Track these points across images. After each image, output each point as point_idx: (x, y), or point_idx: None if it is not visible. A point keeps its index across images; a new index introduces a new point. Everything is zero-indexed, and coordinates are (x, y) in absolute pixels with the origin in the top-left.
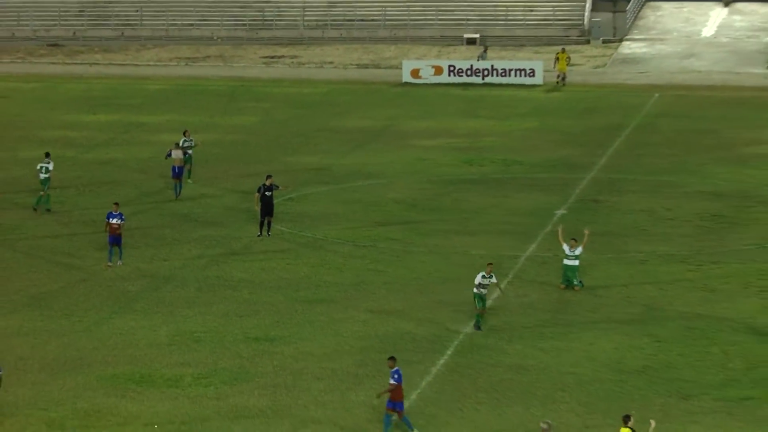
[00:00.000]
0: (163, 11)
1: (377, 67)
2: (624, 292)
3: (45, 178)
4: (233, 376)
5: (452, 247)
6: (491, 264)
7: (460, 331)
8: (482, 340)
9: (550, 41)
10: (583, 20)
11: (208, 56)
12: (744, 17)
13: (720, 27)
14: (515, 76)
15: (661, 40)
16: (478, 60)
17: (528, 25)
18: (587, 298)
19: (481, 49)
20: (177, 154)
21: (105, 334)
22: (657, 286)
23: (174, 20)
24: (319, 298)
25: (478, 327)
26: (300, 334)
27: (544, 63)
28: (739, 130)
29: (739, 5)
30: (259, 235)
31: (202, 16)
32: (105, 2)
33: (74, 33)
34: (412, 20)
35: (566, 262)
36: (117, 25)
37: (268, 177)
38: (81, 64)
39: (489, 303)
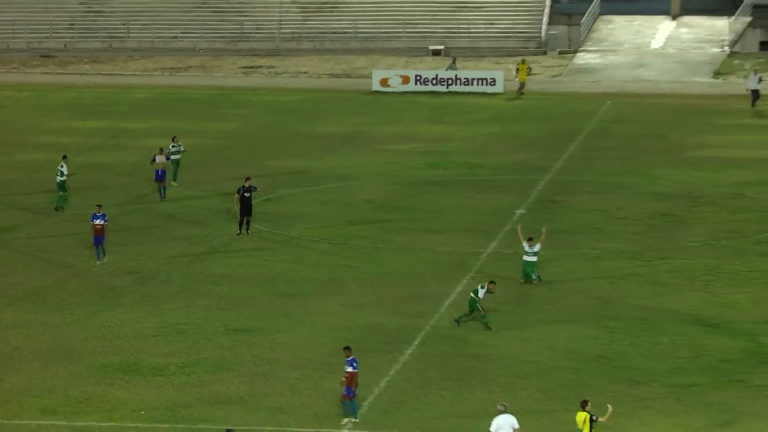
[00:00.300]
0: (149, 25)
1: (349, 76)
2: (579, 286)
3: (62, 181)
4: (215, 365)
5: (419, 244)
6: (494, 283)
7: (426, 323)
8: (447, 331)
9: (509, 52)
10: (541, 33)
11: (191, 66)
12: (690, 30)
13: (668, 39)
14: (477, 84)
15: (613, 51)
16: (447, 70)
17: (489, 37)
18: (545, 292)
19: (450, 60)
20: (160, 159)
21: (94, 326)
22: (609, 280)
23: (159, 33)
24: (295, 293)
25: (457, 322)
26: (277, 326)
27: (505, 73)
28: (686, 135)
29: (685, 19)
30: (238, 234)
31: (185, 29)
32: (94, 16)
33: (65, 45)
34: (381, 33)
35: (525, 258)
36: (105, 37)
37: (247, 179)
38: (72, 74)
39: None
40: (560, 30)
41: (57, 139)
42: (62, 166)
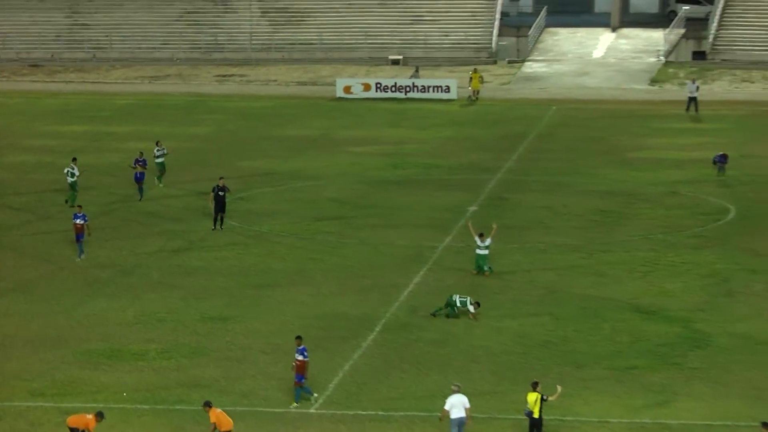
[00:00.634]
0: (130, 37)
1: (315, 84)
2: (527, 277)
3: (72, 182)
4: (191, 351)
5: (380, 238)
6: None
7: (387, 311)
8: (406, 319)
9: (463, 62)
10: (491, 44)
11: (169, 75)
12: (629, 41)
13: (608, 49)
14: (433, 92)
15: (558, 60)
16: (411, 78)
17: (444, 47)
18: (496, 282)
19: (414, 69)
20: (140, 164)
21: (80, 315)
22: (555, 271)
23: (139, 44)
24: (266, 284)
25: (433, 314)
26: (249, 315)
27: (458, 80)
28: (625, 138)
29: (624, 31)
30: (213, 229)
31: (164, 41)
32: (79, 28)
33: (52, 55)
34: (344, 44)
35: (478, 251)
36: (89, 48)
37: (221, 179)
38: (58, 82)
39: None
40: (509, 41)
41: (45, 142)
42: (73, 168)
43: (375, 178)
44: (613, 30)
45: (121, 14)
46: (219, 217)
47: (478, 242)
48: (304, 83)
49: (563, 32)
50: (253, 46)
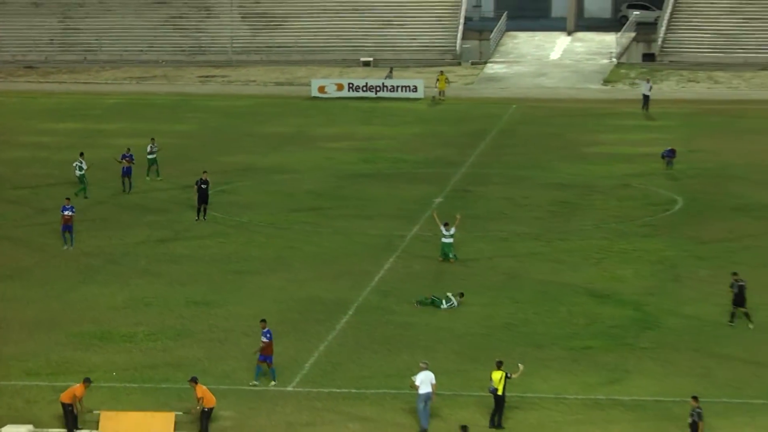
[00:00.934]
0: (118, 40)
1: (291, 84)
2: (489, 264)
3: (81, 175)
4: (177, 333)
5: (353, 228)
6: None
7: (359, 296)
8: (376, 303)
9: (429, 63)
10: (456, 46)
11: (155, 76)
12: (583, 44)
13: (564, 52)
14: (402, 91)
15: (518, 62)
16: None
17: (412, 50)
18: (460, 269)
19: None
20: (127, 159)
21: (72, 300)
22: (516, 258)
23: (127, 47)
24: (246, 270)
25: (418, 303)
26: (231, 299)
27: (425, 81)
28: (581, 134)
29: (579, 34)
30: (197, 220)
31: (150, 44)
32: (71, 33)
33: (46, 57)
34: (319, 47)
35: (443, 239)
36: (81, 51)
37: (204, 173)
38: (52, 82)
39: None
40: (472, 44)
41: (39, 138)
42: (81, 162)
43: (348, 171)
44: (569, 34)
45: (110, 19)
46: (202, 208)
47: (444, 231)
48: (282, 83)
49: (522, 36)
50: (234, 49)
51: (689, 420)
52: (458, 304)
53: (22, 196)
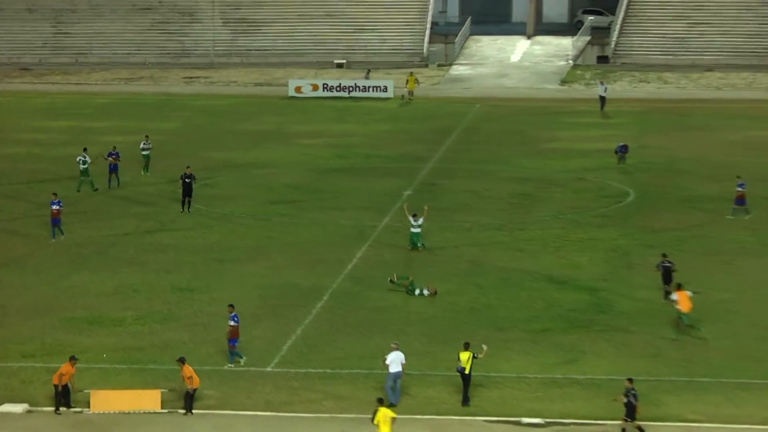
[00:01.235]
0: (108, 43)
1: (270, 85)
2: (455, 252)
3: (84, 168)
4: (163, 317)
5: (327, 219)
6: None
7: (333, 282)
8: (350, 289)
9: (398, 65)
10: (423, 49)
11: (142, 77)
12: (542, 47)
13: (524, 54)
14: (373, 91)
15: (481, 64)
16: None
17: (382, 52)
18: (428, 257)
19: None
20: (113, 156)
21: (65, 286)
22: (479, 247)
23: (116, 50)
24: (228, 258)
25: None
26: (213, 285)
27: (395, 81)
28: (540, 131)
29: (538, 38)
30: (181, 212)
31: (138, 47)
32: (63, 36)
33: (40, 60)
34: (295, 50)
35: (412, 230)
36: (73, 53)
37: (188, 167)
38: (45, 83)
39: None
40: (438, 47)
41: (34, 136)
42: (84, 156)
43: (323, 166)
44: (528, 37)
45: (100, 24)
46: (186, 201)
47: (412, 221)
48: (261, 84)
49: (485, 39)
50: (216, 52)
51: (624, 400)
52: (427, 295)
53: (17, 190)
